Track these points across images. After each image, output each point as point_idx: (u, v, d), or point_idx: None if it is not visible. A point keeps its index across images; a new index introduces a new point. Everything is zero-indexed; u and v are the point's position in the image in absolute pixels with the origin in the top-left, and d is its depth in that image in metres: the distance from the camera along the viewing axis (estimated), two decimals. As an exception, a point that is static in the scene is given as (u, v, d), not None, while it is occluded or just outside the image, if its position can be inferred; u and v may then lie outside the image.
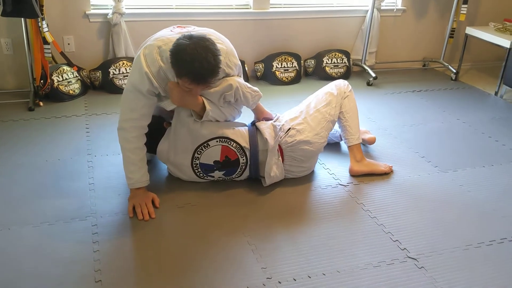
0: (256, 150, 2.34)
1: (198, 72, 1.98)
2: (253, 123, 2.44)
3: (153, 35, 2.24)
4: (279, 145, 2.36)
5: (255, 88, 2.37)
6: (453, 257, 2.02)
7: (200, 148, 2.30)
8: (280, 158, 2.37)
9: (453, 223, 2.25)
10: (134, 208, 2.22)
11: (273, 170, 2.35)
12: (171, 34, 2.16)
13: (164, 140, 2.36)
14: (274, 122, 2.44)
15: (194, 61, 1.94)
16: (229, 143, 2.30)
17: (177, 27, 2.24)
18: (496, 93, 3.96)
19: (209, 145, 2.30)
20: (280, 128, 2.37)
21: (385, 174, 2.63)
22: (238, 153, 2.32)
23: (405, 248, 2.06)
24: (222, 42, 2.18)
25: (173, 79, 2.13)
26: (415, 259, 2.00)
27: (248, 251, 2.01)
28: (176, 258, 1.95)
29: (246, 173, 2.41)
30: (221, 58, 2.04)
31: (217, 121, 2.32)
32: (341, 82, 2.64)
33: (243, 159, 2.34)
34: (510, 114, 3.58)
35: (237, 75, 2.28)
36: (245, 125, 2.43)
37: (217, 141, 2.30)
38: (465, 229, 2.21)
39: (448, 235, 2.16)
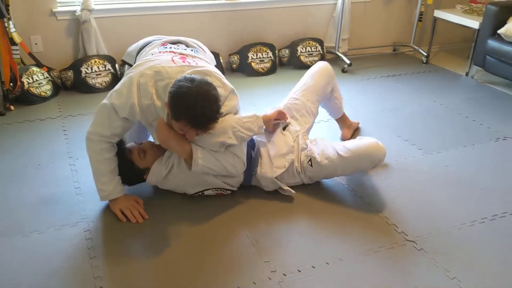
0: (248, 183, 2.33)
1: (198, 118, 1.83)
2: (252, 172, 2.29)
3: (148, 55, 2.13)
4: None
5: (251, 114, 2.17)
6: (450, 237, 2.06)
7: (194, 194, 2.26)
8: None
9: (444, 203, 2.29)
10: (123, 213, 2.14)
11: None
12: (170, 66, 2.02)
13: (152, 176, 2.20)
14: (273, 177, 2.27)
15: (195, 107, 1.80)
16: (225, 191, 2.28)
17: (179, 56, 2.13)
18: (467, 74, 4.05)
19: (204, 194, 2.26)
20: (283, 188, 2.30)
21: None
22: (228, 193, 2.31)
23: (402, 232, 2.09)
24: (223, 85, 2.05)
25: (163, 116, 2.00)
26: (414, 242, 2.03)
27: (249, 246, 1.98)
28: (176, 259, 1.91)
29: None
30: (221, 104, 1.91)
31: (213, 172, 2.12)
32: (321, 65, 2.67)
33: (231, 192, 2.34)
34: (483, 93, 3.67)
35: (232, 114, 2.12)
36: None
37: (212, 190, 2.25)
38: (457, 209, 2.25)
39: (441, 216, 2.20)
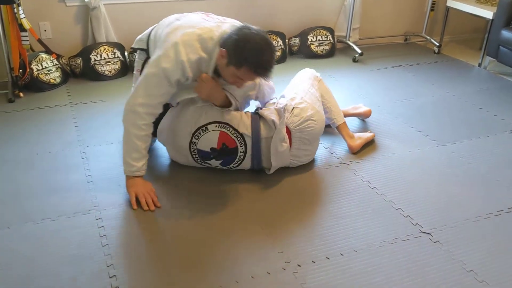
0: (258, 137, 2.25)
1: (263, 64, 1.98)
2: (256, 111, 2.37)
3: (180, 20, 2.17)
4: (287, 127, 2.29)
5: (271, 84, 2.39)
6: (466, 229, 2.03)
7: (198, 131, 2.23)
8: (288, 140, 2.30)
9: (460, 195, 2.26)
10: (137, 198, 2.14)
11: (279, 147, 2.25)
12: (208, 23, 2.09)
13: (165, 119, 2.32)
14: (276, 107, 2.34)
15: (263, 53, 1.96)
16: (228, 129, 2.22)
17: (203, 13, 2.22)
18: (479, 65, 4.00)
19: (208, 129, 2.22)
20: (284, 109, 2.29)
21: (373, 140, 2.72)
22: (237, 141, 2.24)
23: (417, 223, 2.06)
24: None
25: (206, 71, 2.09)
26: (429, 234, 2.00)
27: (262, 237, 1.96)
28: (189, 249, 1.89)
29: (247, 164, 2.33)
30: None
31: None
32: (308, 70, 2.68)
33: (242, 148, 2.26)
34: (496, 84, 3.62)
35: None
36: (247, 111, 2.37)
37: (216, 126, 2.22)
38: (472, 201, 2.22)
39: (457, 208, 2.17)
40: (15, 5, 2.99)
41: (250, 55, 1.95)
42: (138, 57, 2.49)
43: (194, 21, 2.13)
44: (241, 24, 2.06)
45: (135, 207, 2.11)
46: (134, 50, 2.54)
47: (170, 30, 2.11)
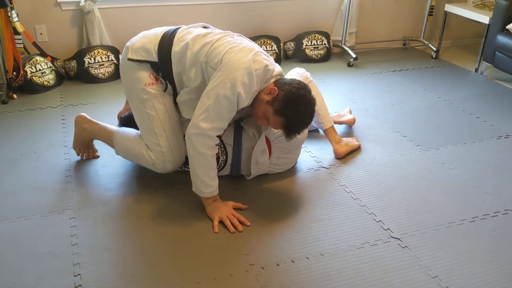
0: (239, 148, 2.27)
1: (296, 130, 2.05)
2: (238, 121, 2.34)
3: (244, 41, 2.10)
4: (267, 138, 2.29)
5: None
6: (437, 235, 2.01)
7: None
8: (267, 151, 2.30)
9: (436, 201, 2.25)
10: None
11: (259, 158, 2.29)
12: (271, 62, 2.09)
13: None
14: None
15: (302, 123, 2.06)
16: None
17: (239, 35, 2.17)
18: (476, 70, 3.96)
19: None
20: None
21: (359, 148, 2.69)
22: (220, 151, 2.25)
23: (388, 228, 2.05)
24: None
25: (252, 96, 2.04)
26: (399, 239, 1.99)
27: (231, 239, 1.97)
28: (157, 249, 1.91)
29: (226, 171, 2.34)
30: None
31: None
32: (300, 69, 2.62)
33: (223, 157, 2.28)
34: (491, 90, 3.58)
35: None
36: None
37: None
38: (448, 207, 2.20)
39: (431, 214, 2.15)
40: (8, 9, 3.06)
41: (293, 116, 2.00)
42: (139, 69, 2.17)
43: (253, 46, 2.08)
44: (303, 83, 2.06)
45: (216, 230, 2.03)
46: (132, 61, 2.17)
47: (235, 51, 2.00)
